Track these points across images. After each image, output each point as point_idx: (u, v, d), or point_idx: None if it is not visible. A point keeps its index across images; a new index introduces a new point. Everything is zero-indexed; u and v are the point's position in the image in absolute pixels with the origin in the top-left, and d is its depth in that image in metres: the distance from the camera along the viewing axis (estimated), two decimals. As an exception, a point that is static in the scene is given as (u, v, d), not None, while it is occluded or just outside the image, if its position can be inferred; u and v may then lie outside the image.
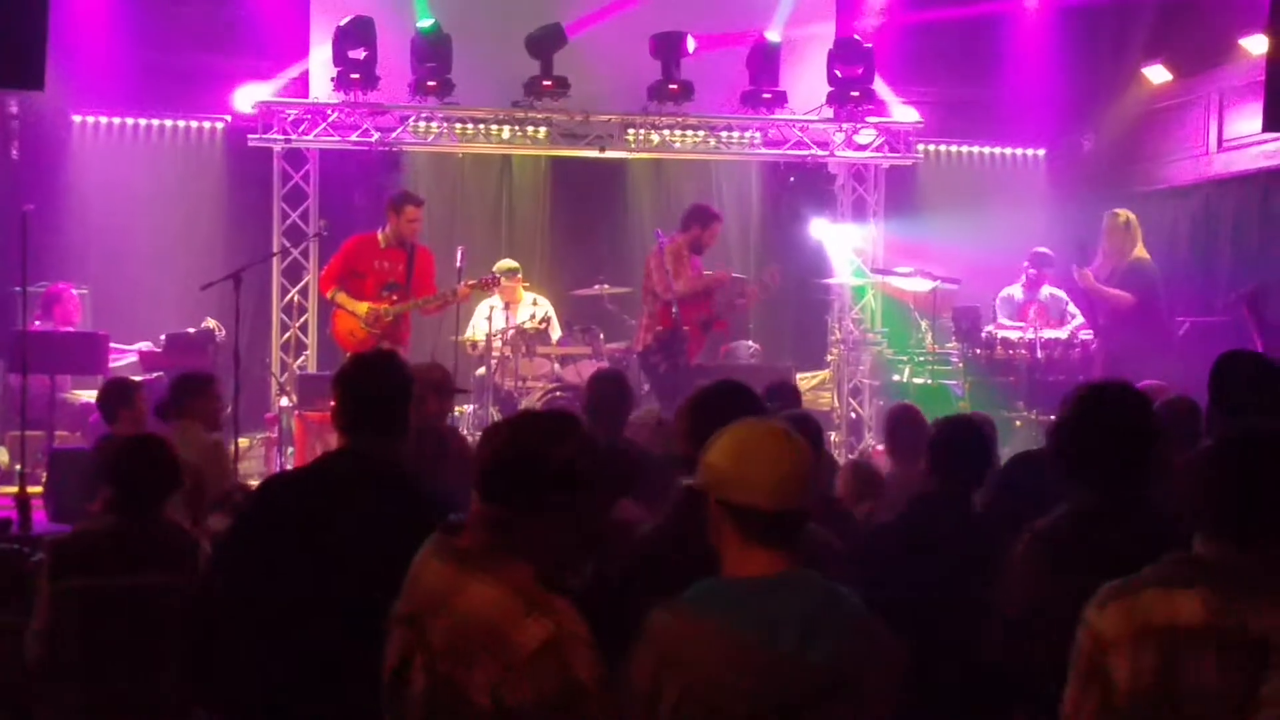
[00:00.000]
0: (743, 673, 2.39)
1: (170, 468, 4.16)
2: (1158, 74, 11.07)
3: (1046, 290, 9.87)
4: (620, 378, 5.68)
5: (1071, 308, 9.83)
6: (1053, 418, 3.54)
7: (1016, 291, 9.98)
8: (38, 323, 9.53)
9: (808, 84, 11.03)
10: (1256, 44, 9.70)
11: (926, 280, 9.76)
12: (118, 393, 6.26)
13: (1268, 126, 8.01)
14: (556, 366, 9.61)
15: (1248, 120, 10.18)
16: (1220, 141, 10.64)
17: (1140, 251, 8.76)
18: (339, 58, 10.15)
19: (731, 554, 2.53)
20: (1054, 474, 3.31)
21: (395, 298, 8.61)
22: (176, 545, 4.10)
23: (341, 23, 10.13)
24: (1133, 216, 8.89)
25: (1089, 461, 3.18)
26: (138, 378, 8.66)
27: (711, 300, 9.31)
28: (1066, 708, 2.54)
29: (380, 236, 8.75)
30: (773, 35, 10.65)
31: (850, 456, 9.70)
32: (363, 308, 8.52)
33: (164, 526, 4.14)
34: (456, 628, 2.42)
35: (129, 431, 6.00)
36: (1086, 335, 9.36)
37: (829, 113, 10.89)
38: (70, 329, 9.73)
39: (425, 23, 10.13)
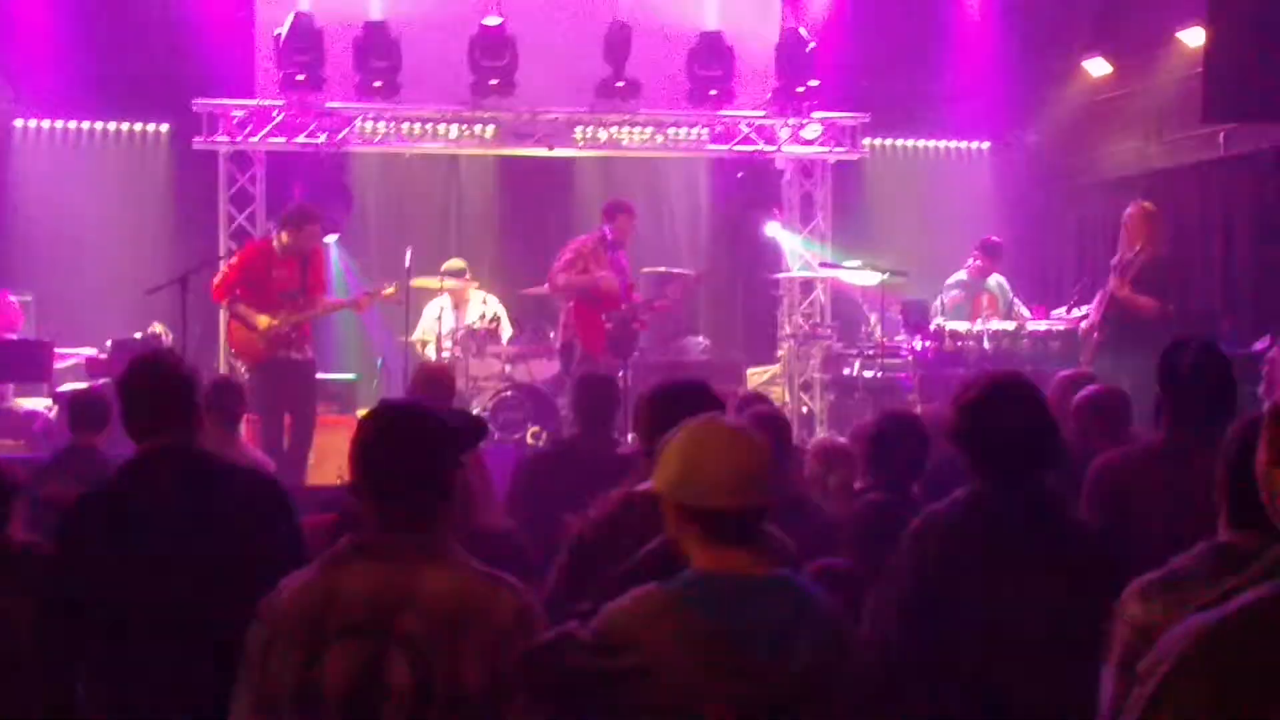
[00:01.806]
0: (720, 672, 2.38)
1: (4, 485, 3.92)
2: (1098, 66, 11.20)
3: (995, 279, 9.95)
4: (608, 380, 5.71)
5: (1019, 304, 9.92)
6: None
7: (964, 276, 10.03)
8: (-21, 330, 9.41)
9: (754, 80, 11.08)
10: (1194, 36, 9.84)
11: (875, 274, 9.82)
12: (92, 408, 6.00)
13: (1206, 118, 8.10)
14: (507, 366, 9.60)
15: (1186, 112, 10.33)
16: (1160, 133, 10.78)
17: (1162, 246, 8.53)
18: (284, 59, 10.08)
19: (698, 552, 2.50)
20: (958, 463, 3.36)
21: (295, 305, 8.41)
22: (23, 562, 3.76)
23: (287, 24, 10.07)
24: (1153, 206, 8.64)
25: (979, 449, 3.20)
26: (84, 384, 8.59)
27: (606, 301, 9.15)
28: (1107, 701, 2.50)
29: (276, 245, 8.39)
30: (712, 24, 10.70)
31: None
32: (262, 321, 8.20)
33: (8, 543, 3.80)
34: (433, 617, 2.44)
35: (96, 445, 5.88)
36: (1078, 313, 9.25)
37: (775, 108, 10.95)
38: (12, 336, 9.61)
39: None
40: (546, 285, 9.33)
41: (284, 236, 8.34)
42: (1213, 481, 2.56)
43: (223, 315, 10.05)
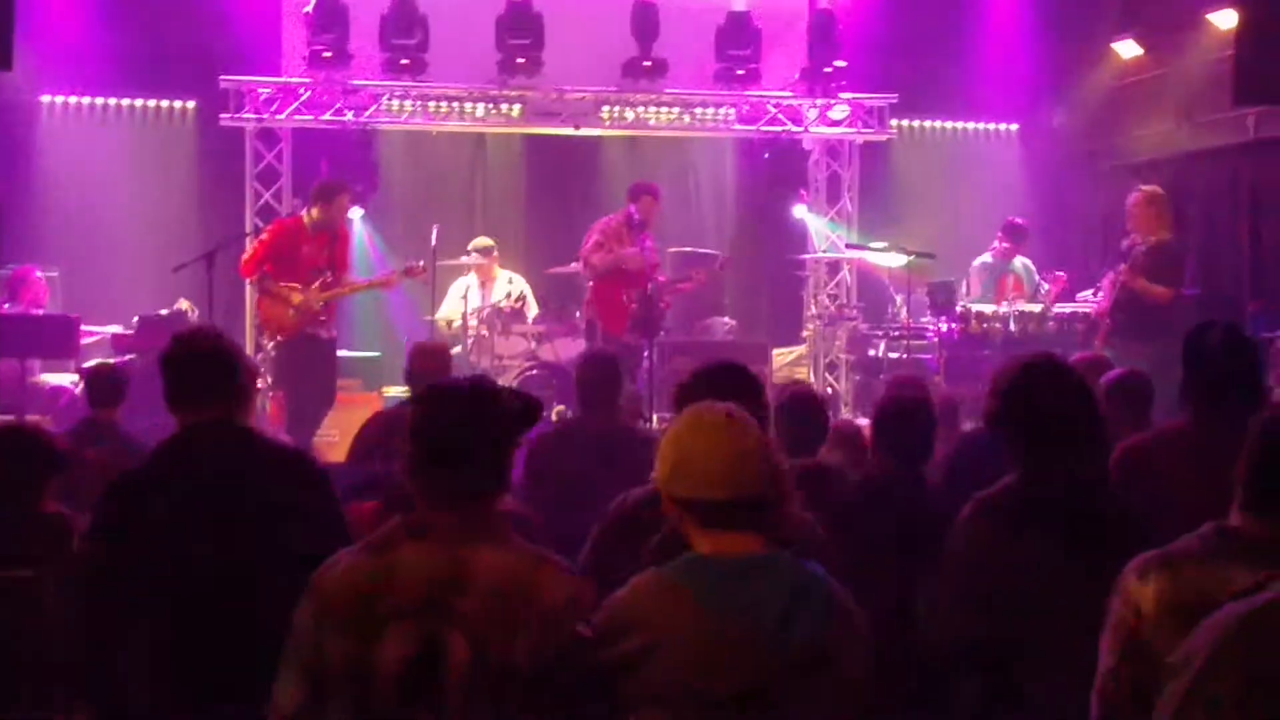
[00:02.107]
0: (720, 652, 2.40)
1: (44, 457, 4.02)
2: (1128, 48, 11.11)
3: (1020, 261, 9.90)
4: (610, 358, 5.69)
5: (1045, 286, 9.87)
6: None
7: (989, 259, 10.00)
8: (6, 306, 9.47)
9: (782, 60, 11.03)
10: (1225, 18, 9.74)
11: (901, 255, 9.78)
12: (109, 382, 6.10)
13: (1237, 100, 8.04)
14: (533, 344, 9.60)
15: (1216, 94, 10.24)
16: (1190, 115, 10.69)
17: (1169, 231, 8.52)
18: (311, 36, 10.08)
19: (697, 541, 2.52)
20: (997, 448, 3.34)
21: (324, 282, 8.46)
22: (52, 536, 3.96)
23: (314, 0, 10.08)
24: (1161, 193, 8.58)
25: (1023, 435, 3.19)
26: (111, 360, 8.63)
27: (629, 279, 9.13)
28: (1103, 677, 2.53)
29: (307, 221, 8.44)
30: (740, 4, 10.65)
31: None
32: (296, 297, 8.29)
33: (38, 518, 4.00)
34: (489, 596, 2.45)
35: (114, 419, 5.94)
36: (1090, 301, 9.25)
37: (803, 89, 10.91)
38: (39, 311, 9.66)
39: None
40: (581, 265, 9.31)
41: (315, 212, 8.38)
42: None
43: (249, 291, 10.11)
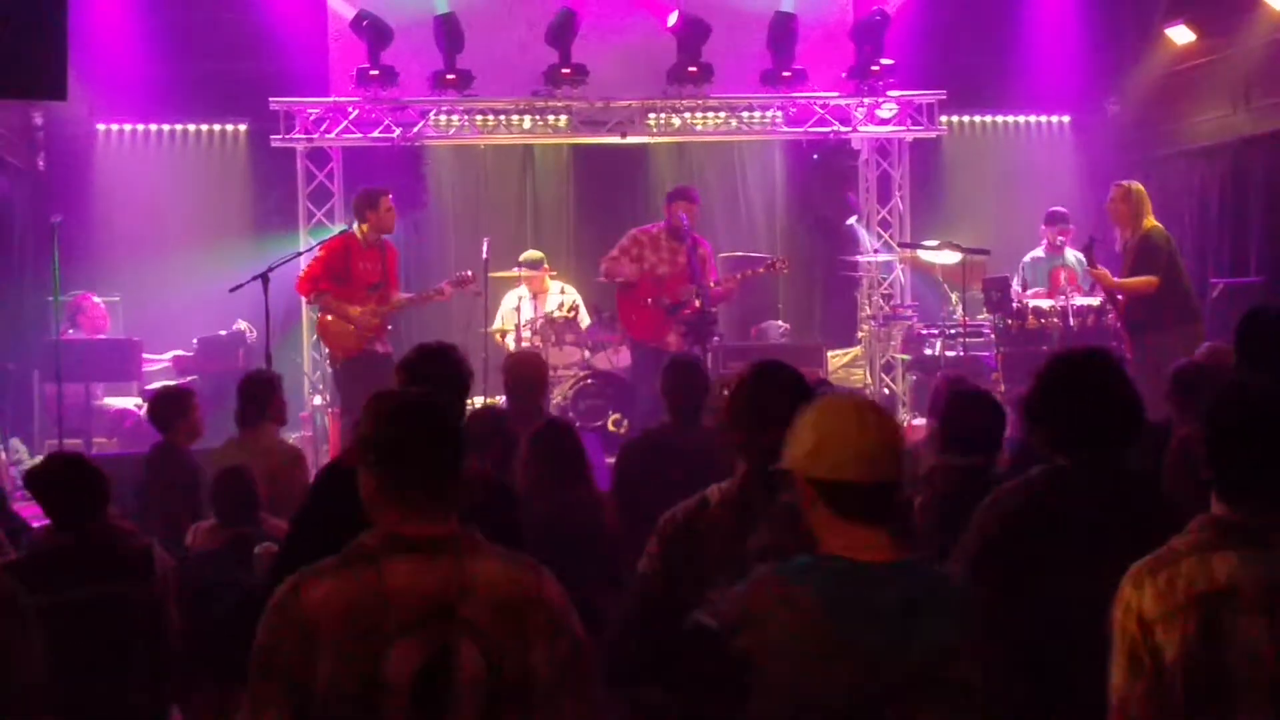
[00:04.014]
0: (838, 659, 2.35)
1: (97, 482, 4.13)
2: (1181, 34, 10.94)
3: (1071, 254, 9.75)
4: (696, 363, 5.64)
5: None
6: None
7: (1040, 253, 9.88)
8: (70, 332, 9.62)
9: (829, 60, 10.98)
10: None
11: (954, 252, 9.68)
12: (174, 403, 6.12)
13: (1295, 82, 7.90)
14: (586, 354, 9.61)
15: (1274, 77, 10.07)
16: (1248, 99, 10.51)
17: (1149, 222, 8.50)
18: (358, 56, 10.17)
19: (829, 533, 2.48)
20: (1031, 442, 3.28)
21: (379, 296, 8.50)
22: (128, 552, 4.11)
23: (360, 21, 10.18)
24: (1136, 186, 8.62)
25: (1059, 425, 3.12)
26: (173, 382, 8.74)
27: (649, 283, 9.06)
28: (1116, 692, 2.50)
29: (360, 236, 8.50)
30: (785, 5, 10.62)
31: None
32: (355, 311, 8.35)
33: (111, 535, 4.14)
34: (493, 603, 2.46)
35: (186, 442, 6.01)
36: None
37: (850, 88, 10.85)
38: (101, 337, 9.81)
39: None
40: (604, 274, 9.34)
41: (364, 225, 8.45)
42: None
43: (305, 310, 10.19)
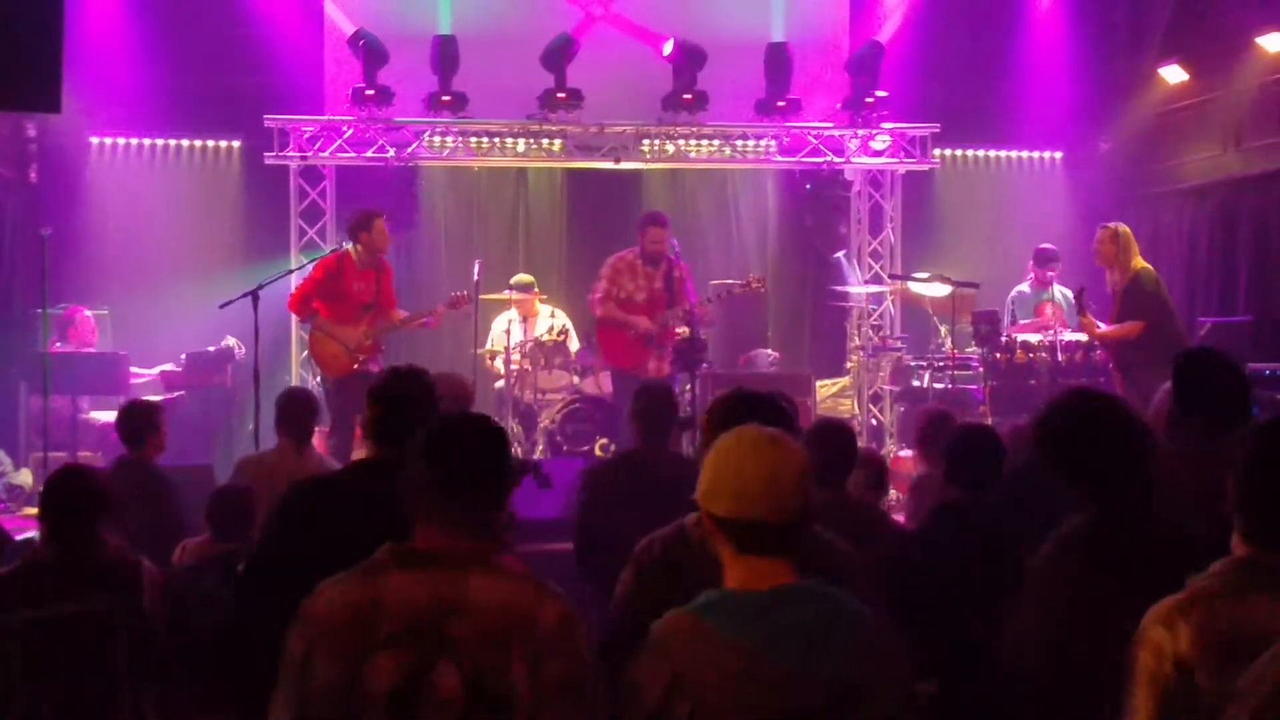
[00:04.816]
0: (750, 686, 2.35)
1: (99, 495, 4.13)
2: (1174, 74, 11.00)
3: (1057, 290, 9.78)
4: (667, 389, 5.64)
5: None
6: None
7: (1025, 288, 9.91)
8: (57, 345, 9.58)
9: (823, 91, 11.02)
10: (1273, 42, 9.66)
11: (944, 285, 9.70)
12: (142, 417, 6.12)
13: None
14: (575, 379, 9.60)
15: (1265, 119, 10.13)
16: (1238, 140, 10.57)
17: (1137, 263, 8.51)
18: (353, 75, 10.19)
19: (730, 565, 2.49)
20: (1047, 481, 3.28)
21: (372, 317, 8.48)
22: (118, 568, 4.10)
23: (356, 40, 10.20)
24: (1123, 229, 8.63)
25: (1084, 472, 3.13)
26: (157, 397, 8.71)
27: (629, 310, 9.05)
28: None
29: (354, 256, 8.50)
30: (779, 35, 10.65)
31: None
32: (347, 333, 8.40)
33: (103, 550, 4.12)
34: (481, 623, 2.45)
35: (153, 456, 5.99)
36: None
37: (844, 119, 10.89)
38: (89, 350, 9.77)
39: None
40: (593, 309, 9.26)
41: (359, 246, 8.45)
42: None
43: (294, 328, 10.17)
